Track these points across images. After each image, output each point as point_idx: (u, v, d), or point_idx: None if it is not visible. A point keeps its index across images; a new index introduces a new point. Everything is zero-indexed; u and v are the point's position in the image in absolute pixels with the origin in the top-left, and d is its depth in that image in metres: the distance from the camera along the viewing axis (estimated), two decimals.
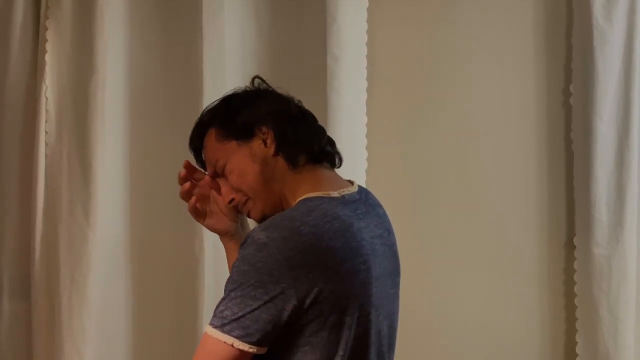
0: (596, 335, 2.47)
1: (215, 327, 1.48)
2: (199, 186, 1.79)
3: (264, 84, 1.75)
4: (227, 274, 1.57)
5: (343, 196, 1.62)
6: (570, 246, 2.56)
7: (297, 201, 1.61)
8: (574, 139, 2.53)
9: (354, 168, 2.52)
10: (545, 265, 2.59)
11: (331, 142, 1.73)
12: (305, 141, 1.65)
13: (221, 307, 1.49)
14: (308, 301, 1.49)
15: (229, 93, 1.74)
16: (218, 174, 1.71)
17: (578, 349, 2.52)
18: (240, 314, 1.47)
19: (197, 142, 1.73)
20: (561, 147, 2.58)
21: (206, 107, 1.74)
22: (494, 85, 2.59)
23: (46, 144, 2.66)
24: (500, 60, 2.60)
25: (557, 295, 2.59)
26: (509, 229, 2.60)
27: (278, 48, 2.63)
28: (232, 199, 1.70)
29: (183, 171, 1.79)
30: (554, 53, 2.58)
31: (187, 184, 1.78)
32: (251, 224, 1.78)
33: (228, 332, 1.48)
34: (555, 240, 2.59)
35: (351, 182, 1.72)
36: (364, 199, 1.68)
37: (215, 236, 1.84)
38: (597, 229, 2.47)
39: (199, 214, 1.79)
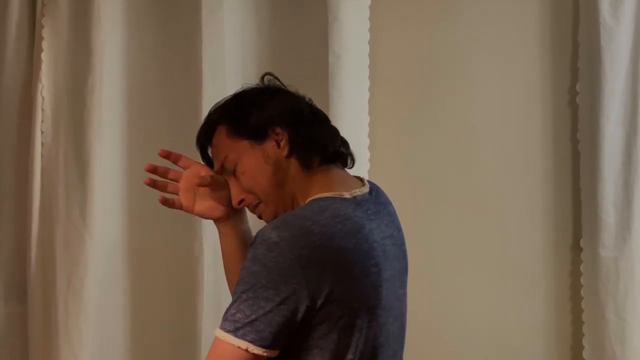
0: (603, 338, 2.45)
1: (228, 331, 1.45)
2: (183, 176, 1.76)
3: (275, 81, 1.71)
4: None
5: (355, 197, 1.59)
6: (576, 248, 2.54)
7: (308, 201, 1.58)
8: (580, 139, 2.51)
9: (356, 168, 2.46)
10: (551, 267, 2.57)
11: (344, 143, 1.70)
12: (319, 143, 1.63)
13: (232, 310, 1.45)
14: (319, 301, 1.46)
15: (239, 90, 1.70)
16: (226, 171, 1.67)
17: (585, 353, 2.50)
18: (253, 317, 1.44)
19: (204, 140, 1.69)
20: (567, 147, 2.55)
21: (215, 105, 1.70)
22: (498, 85, 2.57)
23: (42, 143, 2.63)
24: (504, 59, 2.58)
25: (564, 299, 2.57)
26: (514, 230, 2.58)
27: (278, 46, 2.61)
28: (242, 200, 1.66)
29: (147, 164, 1.77)
30: (559, 51, 2.55)
31: (148, 180, 1.77)
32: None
33: (242, 337, 1.44)
34: (561, 242, 2.57)
35: (361, 180, 1.69)
36: (374, 199, 1.65)
37: (215, 238, 1.82)
38: (604, 230, 2.44)
39: (174, 205, 1.78)
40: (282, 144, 1.61)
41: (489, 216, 2.58)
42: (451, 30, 2.59)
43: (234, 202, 1.67)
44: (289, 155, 1.61)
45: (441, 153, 2.60)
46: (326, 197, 1.56)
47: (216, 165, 1.69)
